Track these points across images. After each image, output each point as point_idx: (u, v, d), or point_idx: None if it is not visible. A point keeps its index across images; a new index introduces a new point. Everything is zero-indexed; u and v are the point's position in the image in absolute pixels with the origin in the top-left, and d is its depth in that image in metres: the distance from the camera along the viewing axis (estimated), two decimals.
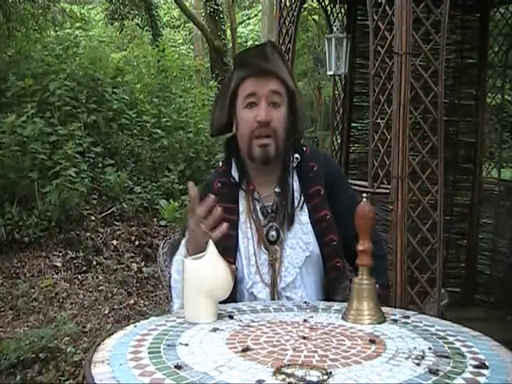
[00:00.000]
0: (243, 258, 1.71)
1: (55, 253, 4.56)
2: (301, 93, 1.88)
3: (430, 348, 1.19)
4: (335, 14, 3.88)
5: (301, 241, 1.71)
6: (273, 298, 1.69)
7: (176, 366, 1.09)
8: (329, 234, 1.70)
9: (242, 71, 1.69)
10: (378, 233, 2.11)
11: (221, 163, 1.84)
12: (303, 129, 1.82)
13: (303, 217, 1.72)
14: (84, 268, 4.50)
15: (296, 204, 1.72)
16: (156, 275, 4.36)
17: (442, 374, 1.06)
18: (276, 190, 1.74)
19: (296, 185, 1.74)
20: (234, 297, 1.57)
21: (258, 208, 1.73)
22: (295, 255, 1.70)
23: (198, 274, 1.40)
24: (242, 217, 1.73)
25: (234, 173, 1.76)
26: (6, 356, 3.16)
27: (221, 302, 1.45)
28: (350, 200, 1.68)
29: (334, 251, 1.71)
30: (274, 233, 1.71)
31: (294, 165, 1.75)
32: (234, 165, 1.77)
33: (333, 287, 1.72)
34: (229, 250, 1.63)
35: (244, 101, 1.68)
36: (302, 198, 1.73)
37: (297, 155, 1.75)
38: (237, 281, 1.64)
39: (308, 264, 1.71)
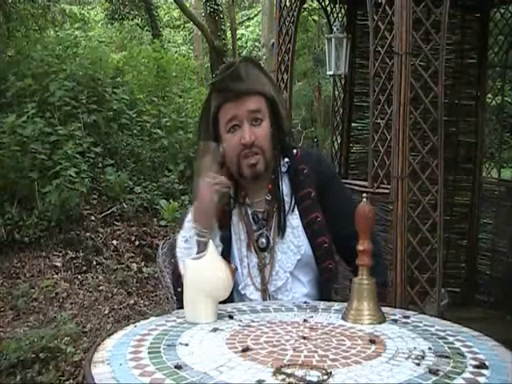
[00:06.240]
0: (237, 258, 1.71)
1: (55, 253, 4.55)
2: (279, 92, 1.87)
3: (430, 348, 1.19)
4: (335, 14, 3.88)
5: (292, 244, 1.71)
6: (264, 300, 1.69)
7: (176, 366, 1.08)
8: (320, 236, 1.70)
9: (219, 96, 1.67)
10: (374, 231, 2.10)
11: None
12: (288, 129, 1.81)
13: (294, 220, 1.72)
14: (84, 268, 4.49)
15: (287, 209, 1.71)
16: (156, 275, 4.35)
17: (442, 374, 1.06)
18: (266, 197, 1.73)
19: (286, 189, 1.74)
20: (231, 297, 1.57)
21: (249, 213, 1.74)
22: (286, 259, 1.70)
23: (198, 274, 1.40)
24: (235, 218, 1.73)
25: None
26: (6, 356, 3.16)
27: (220, 302, 1.45)
28: (344, 200, 1.68)
29: (326, 253, 1.71)
30: (263, 240, 1.71)
31: (285, 169, 1.75)
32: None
33: (325, 288, 1.73)
34: (223, 250, 1.63)
35: (226, 125, 1.67)
36: (293, 201, 1.72)
37: (286, 159, 1.75)
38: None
39: (300, 266, 1.71)
